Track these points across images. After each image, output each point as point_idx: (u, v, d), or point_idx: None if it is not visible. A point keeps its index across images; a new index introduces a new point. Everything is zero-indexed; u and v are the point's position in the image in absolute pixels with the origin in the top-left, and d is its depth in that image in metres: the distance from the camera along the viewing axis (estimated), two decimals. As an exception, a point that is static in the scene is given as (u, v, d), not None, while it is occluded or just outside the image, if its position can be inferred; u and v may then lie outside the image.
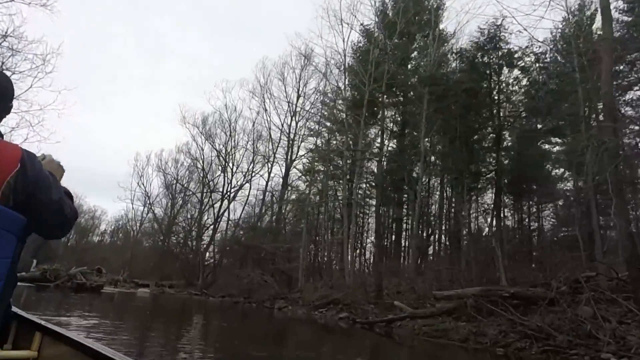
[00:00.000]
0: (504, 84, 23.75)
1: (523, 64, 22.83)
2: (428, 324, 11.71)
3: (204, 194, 35.11)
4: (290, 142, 32.21)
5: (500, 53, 22.17)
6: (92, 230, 62.62)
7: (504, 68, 23.29)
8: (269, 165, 32.93)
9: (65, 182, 1.36)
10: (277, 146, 32.97)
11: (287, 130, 32.60)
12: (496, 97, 23.18)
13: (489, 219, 24.36)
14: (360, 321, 13.87)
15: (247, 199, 33.71)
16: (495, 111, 23.13)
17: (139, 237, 41.69)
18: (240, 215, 33.19)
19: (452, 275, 16.74)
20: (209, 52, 70.33)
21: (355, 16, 26.60)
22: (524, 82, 23.64)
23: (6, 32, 11.62)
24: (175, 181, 37.87)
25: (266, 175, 32.95)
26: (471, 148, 22.45)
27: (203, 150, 36.13)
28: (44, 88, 11.08)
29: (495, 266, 16.09)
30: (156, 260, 34.61)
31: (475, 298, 11.33)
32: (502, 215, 23.61)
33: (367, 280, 19.60)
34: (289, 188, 31.37)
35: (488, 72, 22.56)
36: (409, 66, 26.93)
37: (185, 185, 37.13)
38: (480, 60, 22.38)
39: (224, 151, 34.93)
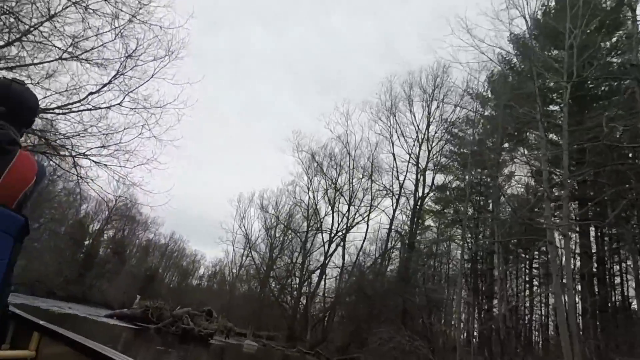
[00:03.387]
0: None
1: None
2: None
3: (309, 234, 31.74)
4: (420, 173, 26.74)
5: None
6: (192, 273, 64.21)
7: None
8: (394, 199, 27.62)
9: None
10: (405, 178, 27.83)
11: (416, 160, 27.34)
12: None
13: None
14: None
15: (365, 239, 28.44)
16: None
17: (235, 282, 39.70)
18: (357, 259, 28.31)
19: None
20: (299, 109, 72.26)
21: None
22: None
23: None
24: (276, 221, 35.63)
25: (389, 211, 27.59)
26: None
27: (312, 183, 33.08)
28: (166, 80, 9.18)
29: None
30: (254, 307, 31.58)
31: None
32: None
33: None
34: (421, 226, 25.84)
35: None
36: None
37: (288, 225, 34.47)
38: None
39: (333, 187, 31.68)
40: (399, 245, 26.25)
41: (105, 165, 8.46)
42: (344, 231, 29.74)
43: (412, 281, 20.83)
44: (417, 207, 25.36)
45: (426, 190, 26.09)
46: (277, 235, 36.59)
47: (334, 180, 31.76)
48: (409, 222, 25.50)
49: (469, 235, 22.31)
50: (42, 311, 15.60)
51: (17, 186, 1.21)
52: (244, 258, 38.60)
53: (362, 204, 30.02)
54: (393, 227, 26.80)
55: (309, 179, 33.02)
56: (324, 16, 69.17)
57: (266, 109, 73.82)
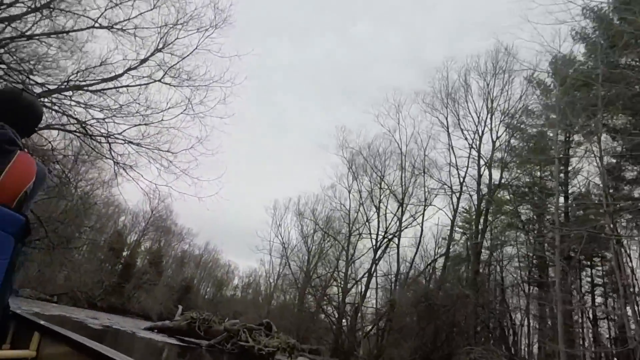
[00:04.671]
0: None
1: None
2: None
3: (351, 239, 29.61)
4: (485, 167, 23.17)
5: None
6: (226, 283, 63.67)
7: None
8: (454, 198, 24.35)
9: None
10: (465, 173, 24.45)
11: (477, 155, 23.85)
12: None
13: None
14: None
15: (420, 243, 25.43)
16: None
17: (273, 292, 38.23)
18: (412, 264, 25.53)
19: None
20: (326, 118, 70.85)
21: None
22: None
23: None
24: (314, 228, 33.95)
25: (447, 210, 24.68)
26: None
27: (358, 183, 30.09)
28: (212, 52, 7.81)
29: None
30: (293, 318, 29.87)
31: None
32: None
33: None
34: (489, 226, 22.15)
35: None
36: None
37: (327, 230, 32.66)
38: None
39: (379, 186, 28.84)
40: (461, 248, 23.67)
41: (147, 149, 7.22)
42: (392, 235, 27.09)
43: (484, 290, 18.18)
44: (482, 205, 21.97)
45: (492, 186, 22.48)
46: (315, 241, 34.88)
47: (381, 177, 28.97)
48: (473, 223, 22.69)
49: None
50: (77, 324, 14.59)
51: (16, 185, 1.22)
52: (282, 267, 37.16)
53: (416, 204, 27.17)
54: (455, 228, 23.96)
55: (355, 177, 30.28)
56: (349, 25, 68.10)
57: (293, 120, 73.09)
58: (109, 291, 37.18)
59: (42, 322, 1.47)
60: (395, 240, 26.76)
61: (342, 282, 28.09)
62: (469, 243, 22.12)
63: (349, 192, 30.74)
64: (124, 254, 47.55)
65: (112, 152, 7.35)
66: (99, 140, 7.51)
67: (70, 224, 23.46)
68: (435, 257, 23.93)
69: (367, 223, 29.04)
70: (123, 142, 7.25)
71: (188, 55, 7.97)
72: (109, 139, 7.25)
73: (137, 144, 7.24)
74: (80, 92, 7.18)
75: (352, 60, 66.68)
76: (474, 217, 23.12)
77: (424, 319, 16.54)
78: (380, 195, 28.35)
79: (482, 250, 20.88)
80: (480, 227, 21.00)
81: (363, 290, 25.66)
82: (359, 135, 46.42)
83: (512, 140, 22.21)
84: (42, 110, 1.43)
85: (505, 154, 22.18)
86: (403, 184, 27.24)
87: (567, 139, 19.34)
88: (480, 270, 19.48)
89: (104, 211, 40.72)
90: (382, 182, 28.51)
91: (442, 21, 58.79)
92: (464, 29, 52.38)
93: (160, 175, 7.69)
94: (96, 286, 35.27)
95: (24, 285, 26.32)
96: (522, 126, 21.61)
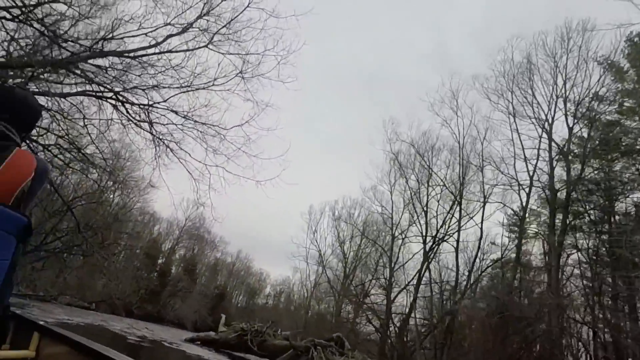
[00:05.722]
0: None
1: None
2: None
3: (394, 244, 27.57)
4: (557, 159, 20.24)
5: None
6: (259, 292, 62.92)
7: None
8: (524, 192, 21.33)
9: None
10: (535, 166, 21.30)
11: (548, 144, 20.58)
12: None
13: None
14: None
15: (480, 247, 22.64)
16: None
17: (310, 301, 36.71)
18: (470, 270, 22.66)
19: None
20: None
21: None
22: None
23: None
24: (352, 232, 32.28)
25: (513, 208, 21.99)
26: None
27: (407, 180, 27.20)
28: (265, 10, 6.52)
29: None
30: (331, 328, 28.20)
31: None
32: None
33: None
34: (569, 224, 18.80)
35: None
36: None
37: (367, 235, 30.88)
38: None
39: (427, 182, 26.30)
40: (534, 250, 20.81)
41: (194, 122, 5.99)
42: (447, 235, 24.58)
43: (567, 299, 15.51)
44: (554, 202, 18.97)
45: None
46: (353, 247, 33.17)
47: (430, 173, 26.40)
48: (547, 221, 19.52)
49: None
50: (112, 335, 13.50)
51: (13, 181, 1.18)
52: (319, 275, 35.63)
53: (474, 202, 24.33)
54: (526, 226, 20.81)
55: (402, 174, 27.56)
56: (372, 25, 65.87)
57: (323, 122, 71.06)
58: (145, 299, 36.99)
59: (41, 323, 1.48)
60: (452, 241, 24.17)
61: (386, 290, 26.12)
62: (545, 244, 19.37)
63: (391, 192, 28.82)
64: (160, 261, 47.81)
65: (153, 129, 6.23)
66: (136, 114, 6.41)
67: (109, 229, 23.18)
68: (502, 258, 21.14)
69: (417, 222, 26.45)
70: (166, 111, 6.10)
71: (238, 16, 6.78)
72: (149, 109, 6.11)
73: (184, 117, 6.05)
74: (117, 58, 6.15)
75: (378, 61, 64.39)
76: (542, 213, 20.62)
77: (498, 332, 14.22)
78: (428, 194, 26.16)
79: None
80: (556, 225, 18.31)
81: (412, 299, 23.45)
82: (411, 127, 44.03)
83: (586, 130, 19.43)
84: (38, 104, 1.41)
85: (582, 145, 18.97)
86: (460, 177, 24.43)
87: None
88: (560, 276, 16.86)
89: (140, 219, 41.02)
90: (431, 179, 26.21)
91: (468, 17, 55.17)
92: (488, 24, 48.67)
93: (207, 156, 6.50)
94: (133, 294, 35.09)
95: (64, 292, 26.20)
96: (595, 115, 18.81)
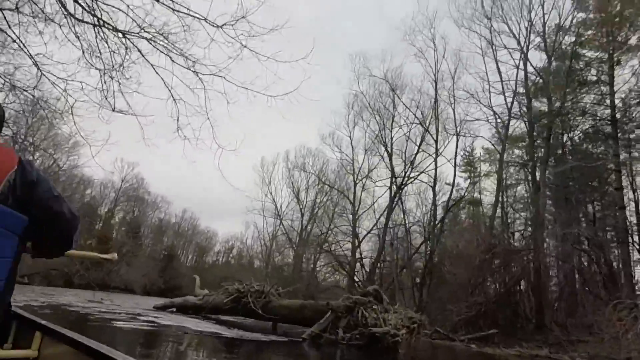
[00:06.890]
0: None
1: None
2: None
3: (355, 188, 27.46)
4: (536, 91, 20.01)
5: None
6: (208, 250, 61.45)
7: None
8: (501, 126, 21.12)
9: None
10: (513, 98, 20.79)
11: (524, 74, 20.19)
12: None
13: None
14: None
15: (454, 183, 23.19)
16: None
17: (270, 255, 36.34)
18: (448, 206, 22.59)
19: None
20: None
21: None
22: None
23: None
24: (315, 180, 31.73)
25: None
26: None
27: (381, 118, 26.29)
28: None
29: None
30: (294, 280, 28.39)
31: None
32: None
33: None
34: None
35: None
36: None
37: (325, 181, 30.52)
38: None
39: (392, 120, 26.11)
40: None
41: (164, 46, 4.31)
42: (418, 172, 24.54)
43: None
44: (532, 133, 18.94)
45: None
46: (312, 197, 32.78)
47: (396, 112, 26.17)
48: (525, 152, 20.04)
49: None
50: (75, 315, 11.56)
51: None
52: (276, 228, 35.10)
53: (447, 137, 24.13)
54: (505, 160, 20.58)
55: (371, 114, 26.99)
56: None
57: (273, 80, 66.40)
58: (88, 266, 33.82)
59: (43, 322, 1.46)
60: (427, 179, 24.09)
61: (352, 235, 26.47)
62: (529, 176, 19.16)
63: (351, 137, 28.40)
64: (97, 226, 44.09)
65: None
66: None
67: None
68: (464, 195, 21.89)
69: (381, 164, 26.27)
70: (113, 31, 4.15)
71: None
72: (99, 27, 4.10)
73: (152, 41, 4.16)
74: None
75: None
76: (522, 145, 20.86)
77: (484, 267, 14.58)
78: (392, 136, 25.92)
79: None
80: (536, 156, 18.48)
81: (379, 245, 23.96)
82: (383, 61, 42.30)
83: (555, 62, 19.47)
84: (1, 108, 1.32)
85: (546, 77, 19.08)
86: (436, 115, 24.00)
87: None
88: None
89: (68, 184, 36.38)
90: (400, 117, 25.76)
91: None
92: None
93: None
94: (71, 263, 31.75)
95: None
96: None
